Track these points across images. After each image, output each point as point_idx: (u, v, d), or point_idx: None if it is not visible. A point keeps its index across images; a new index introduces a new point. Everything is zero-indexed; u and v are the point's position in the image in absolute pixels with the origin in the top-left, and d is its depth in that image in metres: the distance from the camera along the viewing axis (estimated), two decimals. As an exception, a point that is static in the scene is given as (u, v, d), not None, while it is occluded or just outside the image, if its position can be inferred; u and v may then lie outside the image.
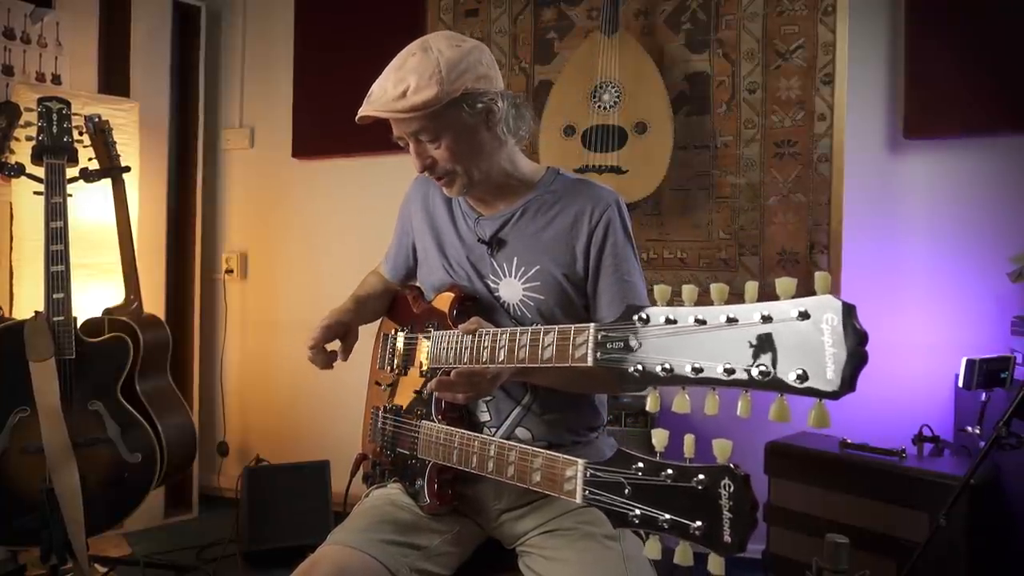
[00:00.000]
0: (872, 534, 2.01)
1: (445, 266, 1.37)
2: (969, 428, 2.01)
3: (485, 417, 1.29)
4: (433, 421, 1.24)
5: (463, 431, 1.17)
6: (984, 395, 1.98)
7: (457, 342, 1.19)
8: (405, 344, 1.38)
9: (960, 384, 1.99)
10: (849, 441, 2.16)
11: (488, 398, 1.28)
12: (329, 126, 3.08)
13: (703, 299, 0.85)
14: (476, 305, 1.30)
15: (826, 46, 2.45)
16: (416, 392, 1.31)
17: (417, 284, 1.50)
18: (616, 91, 2.48)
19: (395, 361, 1.40)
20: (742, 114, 2.55)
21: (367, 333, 1.53)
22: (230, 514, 2.72)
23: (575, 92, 2.53)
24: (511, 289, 1.29)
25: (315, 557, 1.17)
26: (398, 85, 1.16)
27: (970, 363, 1.95)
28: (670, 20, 2.63)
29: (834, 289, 2.40)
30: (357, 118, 1.22)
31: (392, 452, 1.34)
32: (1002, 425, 1.70)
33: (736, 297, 0.77)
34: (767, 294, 0.79)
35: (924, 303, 2.43)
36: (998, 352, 2.06)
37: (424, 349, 1.30)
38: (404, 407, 1.33)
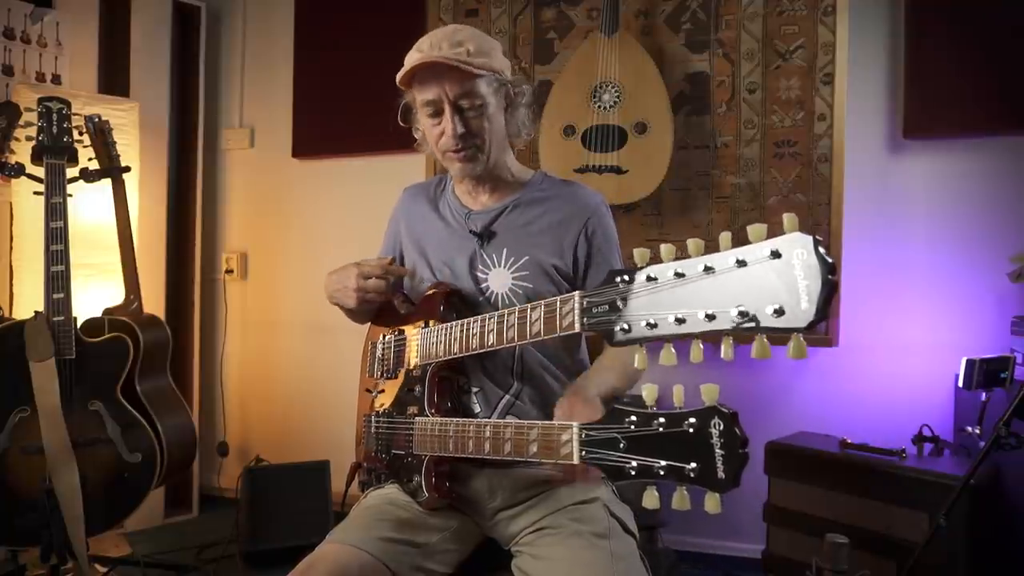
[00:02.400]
0: (872, 534, 2.01)
1: (432, 267, 1.40)
2: (969, 428, 2.01)
3: (476, 408, 1.31)
4: (427, 416, 1.24)
5: (457, 419, 1.18)
6: (984, 395, 1.98)
7: (446, 334, 1.22)
8: (394, 347, 1.38)
9: (960, 384, 1.99)
10: (849, 441, 2.16)
11: (476, 389, 1.31)
12: (329, 126, 3.09)
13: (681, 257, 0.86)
14: (462, 300, 1.32)
15: (826, 46, 2.44)
16: (409, 391, 1.31)
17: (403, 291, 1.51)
18: (616, 91, 2.48)
19: (385, 365, 1.40)
20: (742, 114, 2.55)
21: (357, 337, 1.53)
22: (230, 514, 2.72)
23: (575, 92, 2.53)
24: (500, 279, 1.32)
25: (314, 556, 1.17)
26: (455, 47, 1.21)
27: (970, 363, 1.95)
28: (670, 20, 2.63)
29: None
30: (411, 64, 1.23)
31: (387, 455, 1.34)
32: (1002, 425, 1.70)
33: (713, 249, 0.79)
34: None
35: (924, 303, 2.44)
36: (998, 352, 2.06)
37: (414, 347, 1.32)
38: (397, 409, 1.34)
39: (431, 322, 1.29)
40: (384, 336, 1.42)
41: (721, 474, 0.78)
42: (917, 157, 2.46)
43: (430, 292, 1.34)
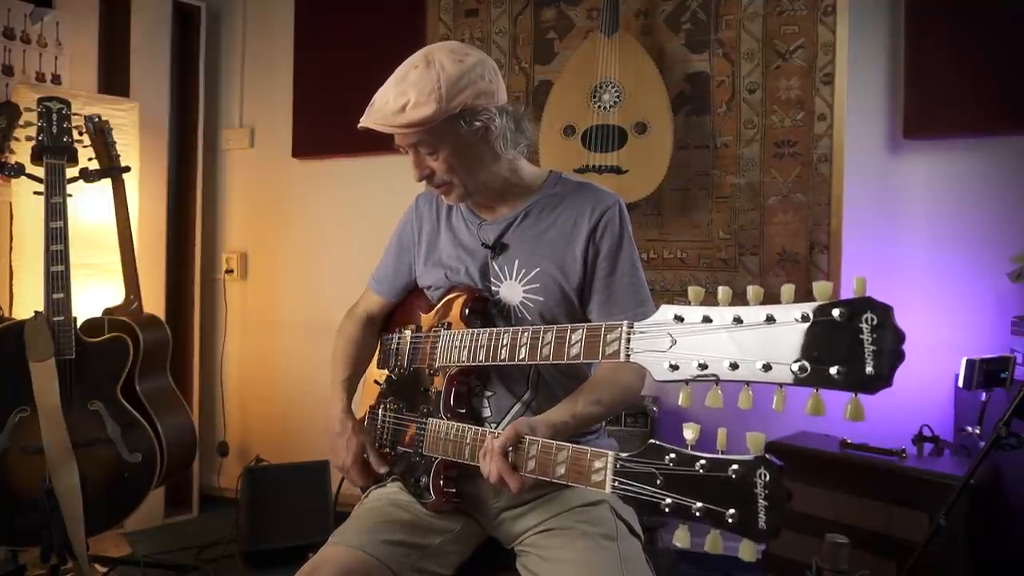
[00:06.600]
0: (872, 534, 2.00)
1: (448, 275, 1.38)
2: (969, 428, 2.01)
3: (486, 413, 1.30)
4: (442, 419, 1.24)
5: (476, 427, 1.17)
6: (984, 395, 1.98)
7: (472, 340, 1.20)
8: (411, 343, 1.38)
9: (960, 384, 1.99)
10: (849, 441, 2.16)
11: (489, 393, 1.29)
12: (329, 126, 3.09)
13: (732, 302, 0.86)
14: (487, 306, 1.31)
15: (826, 46, 2.44)
16: (424, 390, 1.31)
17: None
18: (616, 91, 2.48)
19: (399, 360, 1.40)
20: (742, 114, 2.55)
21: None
22: (230, 514, 2.72)
23: (575, 92, 2.53)
24: (511, 291, 1.30)
25: (318, 558, 1.18)
26: (398, 99, 1.18)
27: (970, 363, 1.94)
28: (670, 20, 2.63)
29: (834, 289, 2.40)
30: (359, 126, 1.24)
31: (392, 450, 1.34)
32: (1002, 425, 1.70)
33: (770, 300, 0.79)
34: (773, 297, 0.81)
35: (924, 303, 2.43)
36: (998, 352, 2.05)
37: (435, 348, 1.30)
38: (407, 405, 1.33)
39: (452, 324, 1.28)
40: (400, 329, 1.42)
41: (763, 525, 0.79)
42: (917, 157, 2.46)
43: (456, 294, 1.32)
